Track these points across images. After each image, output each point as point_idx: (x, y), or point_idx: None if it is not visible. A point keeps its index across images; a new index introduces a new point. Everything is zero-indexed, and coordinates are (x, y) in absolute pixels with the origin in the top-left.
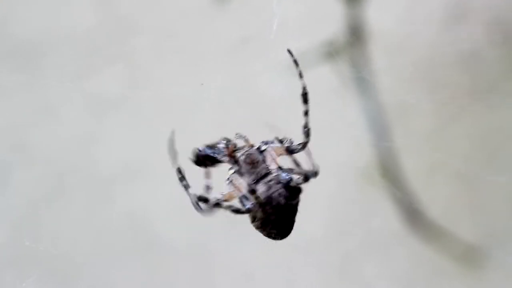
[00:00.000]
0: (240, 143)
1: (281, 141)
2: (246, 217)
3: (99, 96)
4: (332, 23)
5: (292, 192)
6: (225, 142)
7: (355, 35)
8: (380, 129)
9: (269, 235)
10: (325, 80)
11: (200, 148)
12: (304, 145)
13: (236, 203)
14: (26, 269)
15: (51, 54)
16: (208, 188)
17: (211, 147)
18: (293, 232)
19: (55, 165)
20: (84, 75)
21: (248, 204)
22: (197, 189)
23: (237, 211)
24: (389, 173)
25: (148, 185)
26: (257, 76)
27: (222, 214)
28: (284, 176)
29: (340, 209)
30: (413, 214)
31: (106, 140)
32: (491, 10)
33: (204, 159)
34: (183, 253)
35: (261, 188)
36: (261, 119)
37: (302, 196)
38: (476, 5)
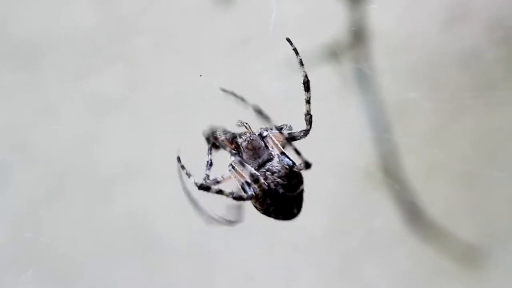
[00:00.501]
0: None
1: (280, 129)
2: (246, 217)
3: (99, 96)
4: (332, 23)
5: (293, 179)
6: (238, 134)
7: (356, 35)
8: (381, 129)
9: (277, 218)
10: (326, 80)
11: (215, 128)
12: (306, 133)
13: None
14: (26, 269)
15: (51, 54)
16: (209, 164)
17: (225, 132)
18: (293, 232)
19: (55, 165)
20: (84, 75)
21: (250, 191)
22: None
23: (239, 198)
24: (390, 172)
25: (148, 185)
26: (257, 76)
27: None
28: (287, 161)
29: (340, 208)
30: (413, 214)
31: (106, 140)
32: (491, 10)
33: (211, 136)
34: (183, 253)
35: (263, 174)
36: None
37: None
38: (476, 5)
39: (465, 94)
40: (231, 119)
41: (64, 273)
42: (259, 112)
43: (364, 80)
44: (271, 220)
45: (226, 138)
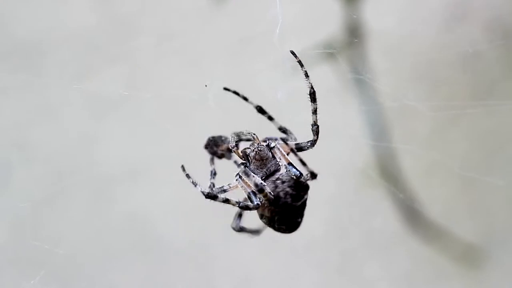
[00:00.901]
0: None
1: (286, 140)
2: (247, 218)
3: (99, 96)
4: (332, 23)
5: (300, 189)
6: (234, 137)
7: (355, 36)
8: (379, 130)
9: (279, 230)
10: (324, 80)
11: (211, 136)
12: (313, 143)
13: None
14: (26, 269)
15: (51, 54)
16: (213, 173)
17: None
18: (292, 232)
19: (56, 164)
20: (84, 75)
21: (257, 201)
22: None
23: (245, 207)
24: (389, 173)
25: (149, 185)
26: (257, 76)
27: (223, 215)
28: (294, 171)
29: (340, 209)
30: (412, 215)
31: (106, 140)
32: (491, 10)
33: (213, 144)
34: (184, 254)
35: (269, 185)
36: (261, 118)
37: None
38: (476, 5)
39: (464, 95)
40: (231, 119)
41: (65, 273)
42: (263, 112)
43: (362, 81)
44: None
45: (235, 148)
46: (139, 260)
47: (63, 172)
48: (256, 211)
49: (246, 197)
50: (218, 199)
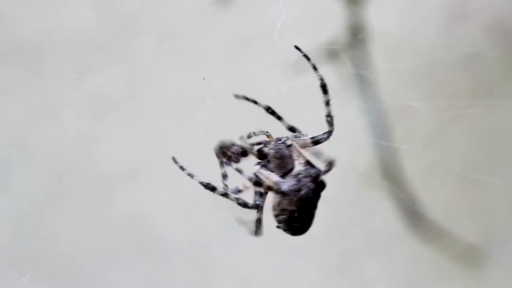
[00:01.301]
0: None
1: (296, 136)
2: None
3: (99, 96)
4: (333, 23)
5: (319, 187)
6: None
7: (356, 36)
8: (380, 130)
9: (292, 229)
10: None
11: (227, 142)
12: (329, 134)
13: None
14: (26, 270)
15: (51, 53)
16: (224, 176)
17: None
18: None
19: (55, 164)
20: (84, 75)
21: (258, 201)
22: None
23: (244, 204)
24: (389, 173)
25: (149, 185)
26: (257, 76)
27: (222, 215)
28: (314, 170)
29: (340, 209)
30: (413, 215)
31: (106, 140)
32: (491, 10)
33: (225, 149)
34: (184, 254)
35: (289, 182)
36: (261, 118)
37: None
38: (476, 5)
39: (464, 95)
40: (232, 119)
41: (65, 273)
42: (272, 112)
43: (363, 81)
44: (271, 221)
45: (251, 148)
46: (139, 260)
47: (63, 172)
48: (272, 209)
49: (254, 195)
50: (216, 192)
